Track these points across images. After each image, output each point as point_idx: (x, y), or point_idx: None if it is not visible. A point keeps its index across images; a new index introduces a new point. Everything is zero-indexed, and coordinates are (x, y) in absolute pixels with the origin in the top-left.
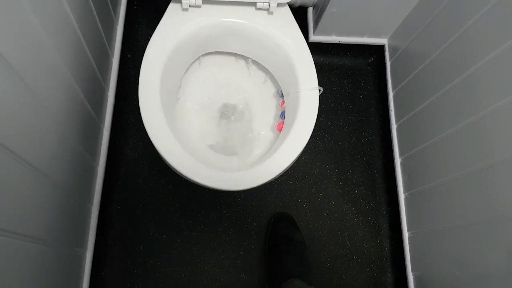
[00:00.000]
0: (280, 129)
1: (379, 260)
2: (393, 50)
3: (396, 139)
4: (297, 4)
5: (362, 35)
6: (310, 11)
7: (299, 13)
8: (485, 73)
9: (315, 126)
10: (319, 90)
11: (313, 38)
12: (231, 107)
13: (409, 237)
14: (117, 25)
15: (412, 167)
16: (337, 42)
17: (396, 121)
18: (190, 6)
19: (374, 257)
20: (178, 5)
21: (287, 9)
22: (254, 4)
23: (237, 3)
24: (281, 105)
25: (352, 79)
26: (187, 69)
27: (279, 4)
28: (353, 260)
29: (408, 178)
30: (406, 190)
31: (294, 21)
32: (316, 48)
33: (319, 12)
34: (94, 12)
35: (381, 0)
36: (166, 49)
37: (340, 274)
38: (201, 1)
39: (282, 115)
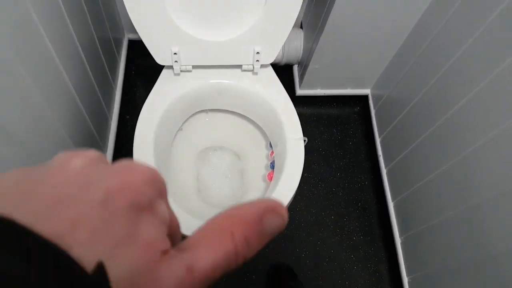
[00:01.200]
0: (270, 178)
1: None
2: (377, 98)
3: (387, 183)
4: (283, 63)
5: (345, 87)
6: (295, 68)
7: (286, 71)
8: (464, 114)
9: (308, 174)
10: (304, 140)
11: (300, 92)
12: (224, 159)
13: (408, 282)
14: (116, 90)
15: (405, 210)
16: (322, 94)
17: (386, 166)
18: (181, 71)
19: None
20: (170, 70)
21: (270, 69)
22: (239, 66)
23: (224, 67)
24: (271, 155)
25: (340, 128)
26: (186, 121)
27: (263, 65)
28: None
29: (402, 222)
30: (401, 233)
31: (277, 79)
32: (303, 101)
33: (303, 68)
34: (93, 81)
35: (360, 55)
36: (158, 110)
37: None
38: (191, 66)
39: (272, 165)
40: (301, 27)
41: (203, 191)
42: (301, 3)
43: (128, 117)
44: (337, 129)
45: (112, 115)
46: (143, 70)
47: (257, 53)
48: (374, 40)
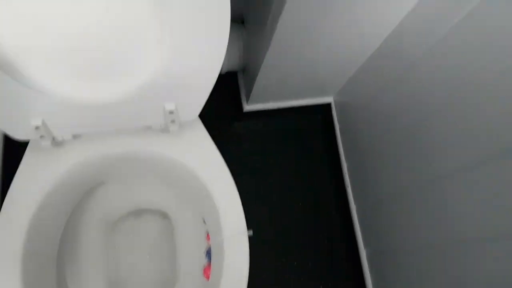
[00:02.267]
0: (207, 276)
1: None
2: (341, 107)
3: (357, 221)
4: (223, 72)
5: (303, 97)
6: (240, 77)
7: (228, 80)
8: (440, 122)
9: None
10: (249, 235)
11: (247, 108)
12: (148, 228)
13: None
14: None
15: (382, 263)
16: (275, 108)
17: (355, 199)
18: (53, 145)
19: None
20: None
21: (197, 122)
22: (148, 127)
23: (120, 132)
24: (207, 238)
25: (298, 142)
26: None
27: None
28: None
29: (376, 276)
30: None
31: (208, 137)
32: (251, 116)
33: (249, 81)
34: None
35: (325, 60)
36: (28, 205)
37: None
38: (71, 136)
39: (208, 254)
40: (242, 22)
41: (118, 283)
42: (225, 47)
43: None
44: (297, 144)
45: None
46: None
47: (170, 112)
48: (345, 40)
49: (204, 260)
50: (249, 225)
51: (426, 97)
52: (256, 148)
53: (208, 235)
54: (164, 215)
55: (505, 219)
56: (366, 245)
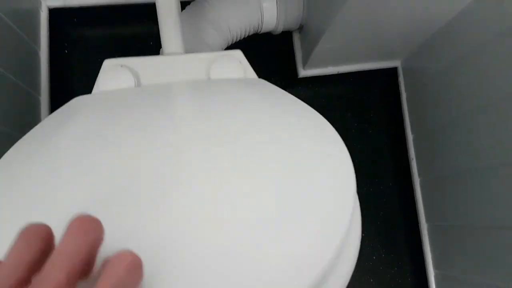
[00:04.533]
0: None
1: None
2: (410, 73)
3: (420, 195)
4: (279, 31)
5: (366, 60)
6: (296, 38)
7: (282, 41)
8: None
9: None
10: None
11: (304, 73)
12: None
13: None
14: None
15: (445, 240)
16: (335, 73)
17: (419, 172)
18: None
19: None
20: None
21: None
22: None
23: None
24: None
25: (357, 112)
26: None
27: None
28: None
29: (439, 255)
30: (437, 266)
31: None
32: (307, 81)
33: (309, 44)
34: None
35: (394, 25)
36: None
37: None
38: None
39: None
40: None
41: None
42: None
43: None
44: (354, 114)
45: None
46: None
47: None
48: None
49: None
50: None
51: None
52: None
53: None
54: None
55: None
56: (428, 219)
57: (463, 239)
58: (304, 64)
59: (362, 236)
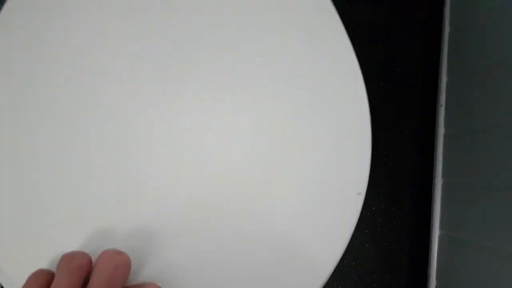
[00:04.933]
0: None
1: None
2: (460, 4)
3: (441, 148)
4: None
5: None
6: None
7: None
8: None
9: None
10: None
11: None
12: None
13: None
14: None
15: (459, 199)
16: None
17: (446, 122)
18: None
19: None
20: None
21: None
22: None
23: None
24: None
25: (388, 44)
26: None
27: None
28: None
29: (449, 214)
30: (443, 227)
31: None
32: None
33: None
34: None
35: None
36: None
37: None
38: None
39: None
40: None
41: None
42: None
43: None
44: (384, 46)
45: None
46: None
47: None
48: None
49: None
50: None
51: None
52: None
53: None
54: None
55: None
56: (444, 174)
57: (478, 200)
58: None
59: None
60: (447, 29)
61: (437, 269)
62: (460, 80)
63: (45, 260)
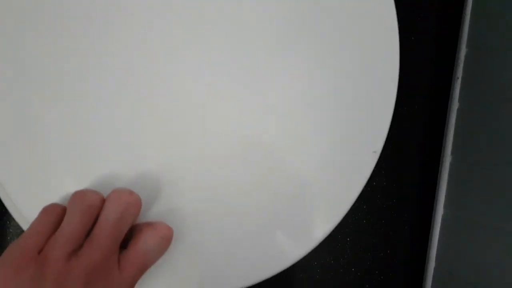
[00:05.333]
0: None
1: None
2: None
3: (453, 123)
4: None
5: None
6: None
7: None
8: None
9: None
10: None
11: None
12: None
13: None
14: None
15: (468, 176)
16: None
17: (460, 96)
18: None
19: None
20: None
21: None
22: None
23: None
24: None
25: (403, 8)
26: None
27: None
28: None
29: (455, 192)
30: (448, 205)
31: None
32: None
33: None
34: None
35: None
36: None
37: None
38: None
39: None
40: None
41: None
42: None
43: None
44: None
45: None
46: None
47: None
48: None
49: None
50: None
51: None
52: None
53: None
54: None
55: None
56: (452, 152)
57: (488, 178)
58: None
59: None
60: None
61: (438, 250)
62: (481, 51)
63: (56, 195)
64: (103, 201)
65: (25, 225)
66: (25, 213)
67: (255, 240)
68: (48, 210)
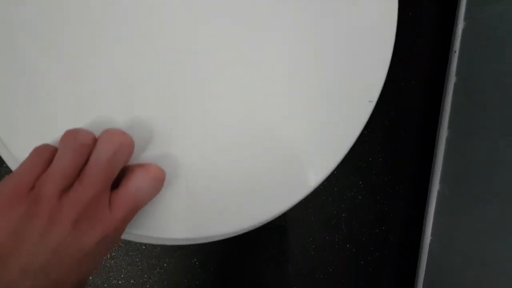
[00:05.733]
0: None
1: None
2: None
3: (450, 96)
4: None
5: None
6: None
7: None
8: None
9: None
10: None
11: None
12: None
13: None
14: None
15: (465, 152)
16: None
17: (458, 70)
18: None
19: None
20: None
21: None
22: None
23: None
24: None
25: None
26: None
27: None
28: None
29: (451, 168)
30: (444, 180)
31: None
32: None
33: None
34: None
35: None
36: None
37: (325, 265)
38: None
39: None
40: None
41: None
42: None
43: None
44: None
45: None
46: None
47: None
48: None
49: None
50: None
51: None
52: None
53: None
54: None
55: None
56: (451, 125)
57: (485, 152)
58: None
59: (364, 132)
60: None
61: (433, 224)
62: (478, 25)
63: (47, 136)
64: (95, 140)
65: (14, 166)
66: (16, 154)
67: (248, 184)
68: (39, 150)
